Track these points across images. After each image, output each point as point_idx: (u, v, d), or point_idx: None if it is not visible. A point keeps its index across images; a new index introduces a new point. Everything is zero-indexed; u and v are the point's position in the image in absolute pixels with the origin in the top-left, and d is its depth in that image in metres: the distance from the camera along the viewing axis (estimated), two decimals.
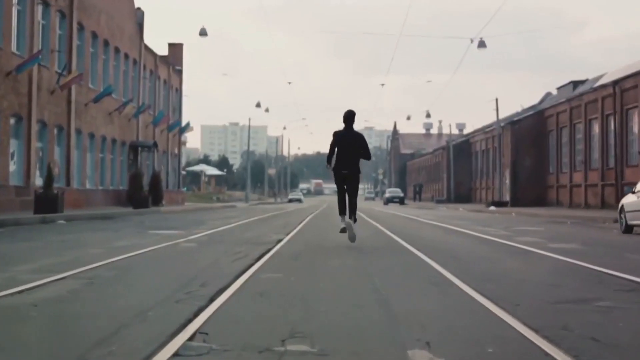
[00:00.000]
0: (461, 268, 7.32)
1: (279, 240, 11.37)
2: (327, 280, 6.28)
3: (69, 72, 29.46)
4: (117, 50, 36.75)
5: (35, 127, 26.80)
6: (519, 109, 64.65)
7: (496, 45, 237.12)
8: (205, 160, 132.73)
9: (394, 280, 6.35)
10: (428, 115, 57.02)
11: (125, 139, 38.19)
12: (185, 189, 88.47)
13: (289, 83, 73.08)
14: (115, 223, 19.27)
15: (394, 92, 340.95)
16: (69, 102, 30.16)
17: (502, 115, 68.85)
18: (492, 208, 40.49)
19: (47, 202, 20.75)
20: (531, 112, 53.64)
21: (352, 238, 10.48)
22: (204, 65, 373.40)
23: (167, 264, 7.86)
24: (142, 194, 33.01)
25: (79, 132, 31.62)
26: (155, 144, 40.42)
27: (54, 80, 28.46)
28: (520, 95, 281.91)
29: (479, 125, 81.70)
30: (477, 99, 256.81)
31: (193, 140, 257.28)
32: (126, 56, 38.39)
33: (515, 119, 52.73)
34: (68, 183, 30.00)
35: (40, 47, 26.91)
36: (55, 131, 29.23)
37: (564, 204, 43.70)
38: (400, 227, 17.53)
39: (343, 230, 10.65)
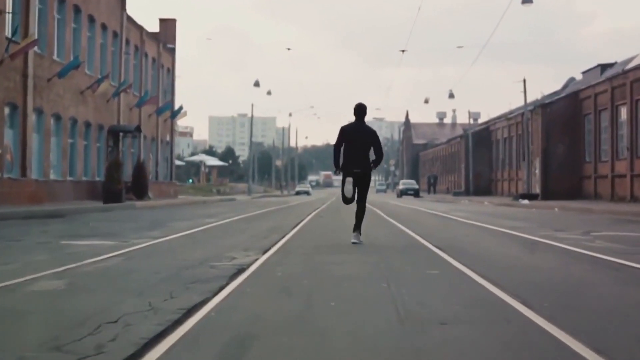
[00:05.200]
0: None
1: (240, 271, 6.19)
2: None
3: (25, 37, 24.35)
4: (91, 18, 31.60)
5: None
6: (539, 97, 59.28)
7: (506, 38, 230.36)
8: (210, 151, 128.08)
9: None
10: (451, 96, 51.42)
11: (103, 122, 33.09)
12: (189, 181, 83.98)
13: (288, 49, 67.68)
14: (46, 225, 14.22)
15: (404, 85, 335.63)
16: (24, 76, 25.10)
17: (520, 103, 63.19)
18: (525, 202, 35.19)
19: None
20: (562, 95, 48.18)
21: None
22: (213, 57, 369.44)
23: None
24: (116, 186, 27.88)
25: (39, 112, 26.56)
26: (138, 129, 35.27)
27: (3, 47, 23.37)
28: (531, 86, 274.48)
29: (494, 114, 76.21)
30: (488, 90, 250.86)
31: (201, 132, 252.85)
32: (104, 27, 33.24)
33: (547, 101, 47.20)
34: (24, 173, 24.95)
35: None
36: (6, 110, 24.18)
37: (603, 197, 38.32)
38: (435, 231, 12.38)
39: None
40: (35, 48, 25.58)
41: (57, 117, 28.25)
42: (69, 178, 29.22)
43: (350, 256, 7.83)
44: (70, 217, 17.92)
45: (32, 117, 25.73)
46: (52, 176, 27.64)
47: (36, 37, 24.77)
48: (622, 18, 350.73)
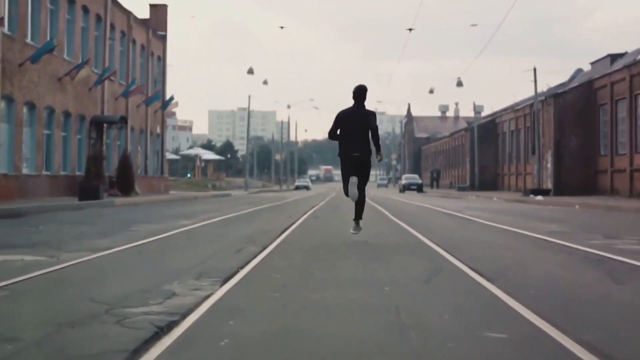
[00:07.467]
0: None
1: (162, 332, 3.63)
2: None
3: None
4: (70, 0, 29.12)
5: None
6: (545, 89, 56.89)
7: (509, 32, 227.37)
8: (208, 145, 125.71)
9: None
10: (459, 84, 48.83)
11: (84, 112, 30.63)
12: (188, 175, 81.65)
13: (282, 27, 65.25)
14: None
15: (405, 78, 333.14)
16: None
17: (523, 96, 60.87)
18: (539, 198, 32.76)
19: None
20: (575, 85, 45.69)
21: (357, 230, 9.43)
22: (213, 51, 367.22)
23: None
24: (93, 181, 25.42)
25: (9, 100, 24.16)
26: (123, 119, 32.81)
27: None
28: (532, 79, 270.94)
29: (497, 108, 73.80)
30: (490, 84, 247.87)
31: (201, 126, 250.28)
32: (85, 9, 30.75)
33: (559, 91, 44.71)
34: None
35: None
36: None
37: (620, 192, 35.88)
38: (458, 238, 9.98)
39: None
40: (5, 29, 23.22)
41: (31, 106, 25.83)
42: (44, 172, 26.81)
43: (351, 292, 5.22)
44: (29, 218, 15.54)
45: (0, 105, 23.34)
46: (24, 170, 25.24)
47: (2, 15, 22.32)
48: (622, 11, 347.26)
